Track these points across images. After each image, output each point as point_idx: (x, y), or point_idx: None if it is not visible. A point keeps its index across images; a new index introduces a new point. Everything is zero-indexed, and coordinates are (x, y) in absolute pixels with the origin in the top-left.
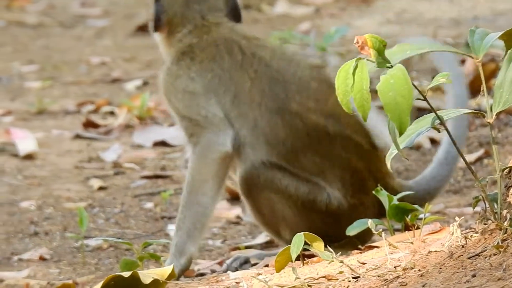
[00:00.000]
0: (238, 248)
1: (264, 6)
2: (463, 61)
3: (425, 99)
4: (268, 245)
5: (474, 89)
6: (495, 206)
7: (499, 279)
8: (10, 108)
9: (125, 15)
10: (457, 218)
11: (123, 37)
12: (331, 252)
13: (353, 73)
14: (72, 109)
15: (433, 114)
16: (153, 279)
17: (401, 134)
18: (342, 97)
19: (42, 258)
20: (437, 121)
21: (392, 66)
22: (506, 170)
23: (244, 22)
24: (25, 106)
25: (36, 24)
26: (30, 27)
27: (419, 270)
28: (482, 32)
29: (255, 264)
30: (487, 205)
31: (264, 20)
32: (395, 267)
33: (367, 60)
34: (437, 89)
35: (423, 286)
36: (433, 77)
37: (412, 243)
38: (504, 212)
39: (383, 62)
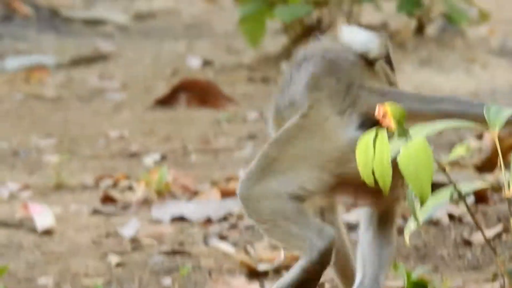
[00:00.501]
0: None
1: None
2: (480, 136)
3: (444, 171)
4: None
5: (492, 164)
6: None
7: None
8: (28, 182)
9: (143, 88)
10: None
11: (142, 111)
12: None
13: (374, 144)
14: (90, 183)
15: (450, 188)
16: None
17: (422, 204)
18: (363, 169)
19: None
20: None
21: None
22: None
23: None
24: (43, 180)
25: (55, 98)
26: (48, 100)
27: None
28: (497, 107)
29: None
30: (506, 280)
31: None
32: None
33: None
34: (455, 163)
35: None
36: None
37: None
38: None
39: (403, 133)
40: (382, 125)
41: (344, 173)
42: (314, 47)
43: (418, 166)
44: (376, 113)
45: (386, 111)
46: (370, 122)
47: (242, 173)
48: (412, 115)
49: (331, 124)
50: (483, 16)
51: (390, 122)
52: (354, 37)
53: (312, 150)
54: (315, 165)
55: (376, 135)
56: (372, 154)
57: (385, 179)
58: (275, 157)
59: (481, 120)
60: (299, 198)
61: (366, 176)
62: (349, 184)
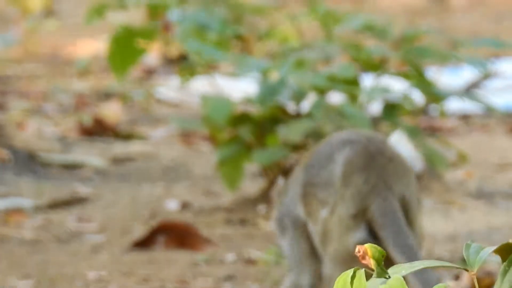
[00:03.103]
0: None
1: (260, 221)
2: (457, 277)
3: None
4: None
5: None
6: None
7: None
8: None
9: (122, 230)
10: None
11: (120, 253)
12: None
13: (351, 283)
14: None
15: None
16: None
17: None
18: None
19: None
20: None
21: (389, 277)
22: None
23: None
24: None
25: (33, 240)
26: (26, 242)
27: None
28: (477, 246)
29: None
30: None
31: (260, 235)
32: None
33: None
34: None
35: None
36: None
37: None
38: None
39: (381, 273)
40: (361, 263)
41: None
42: (361, 132)
43: None
44: (356, 251)
45: (365, 250)
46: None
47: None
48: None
49: (345, 226)
50: (461, 159)
51: (369, 261)
52: (402, 146)
53: (330, 247)
54: (333, 260)
55: (354, 274)
56: None
57: None
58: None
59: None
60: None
61: None
62: None
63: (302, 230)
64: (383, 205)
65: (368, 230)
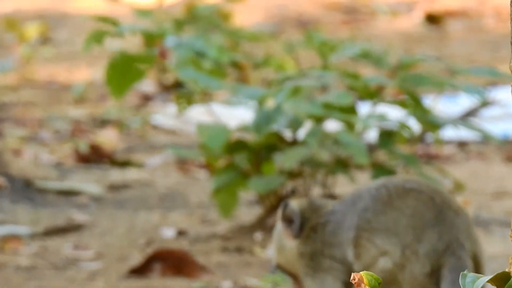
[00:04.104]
0: None
1: (256, 249)
2: None
3: None
4: None
5: None
6: None
7: None
8: None
9: (118, 257)
10: None
11: (116, 280)
12: None
13: None
14: None
15: None
16: None
17: None
18: None
19: None
20: None
21: None
22: None
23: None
24: None
25: (29, 267)
26: (23, 269)
27: None
28: (473, 276)
29: None
30: None
31: (256, 263)
32: None
33: None
34: None
35: None
36: None
37: None
38: None
39: None
40: None
41: None
42: (418, 180)
43: None
44: (351, 278)
45: (361, 278)
46: None
47: None
48: None
49: (419, 284)
50: (458, 187)
51: None
52: None
53: None
54: None
55: None
56: None
57: None
58: None
59: None
60: None
61: None
62: None
63: (340, 275)
64: (458, 264)
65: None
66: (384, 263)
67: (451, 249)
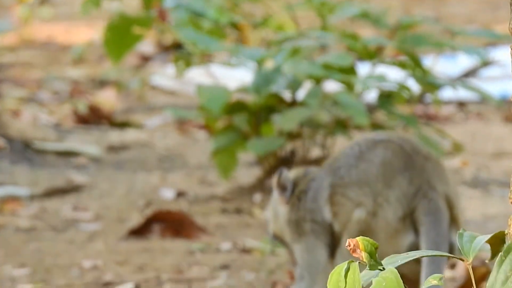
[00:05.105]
0: None
1: (255, 210)
2: (453, 266)
3: None
4: None
5: None
6: None
7: None
8: None
9: (117, 219)
10: None
11: (115, 241)
12: None
13: (345, 276)
14: None
15: None
16: None
17: None
18: None
19: None
20: None
21: (384, 269)
22: None
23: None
24: None
25: (28, 228)
26: (22, 231)
27: None
28: (470, 235)
29: None
30: None
31: (255, 225)
32: None
33: (359, 263)
34: None
35: None
36: None
37: None
38: None
39: (375, 265)
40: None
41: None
42: (388, 133)
43: None
44: (346, 245)
45: (357, 244)
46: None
47: None
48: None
49: (393, 229)
50: (457, 148)
51: (361, 255)
52: None
53: None
54: None
55: (348, 268)
56: (344, 287)
57: None
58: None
59: None
60: None
61: None
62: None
63: (323, 237)
64: (430, 205)
65: (415, 231)
66: (359, 214)
67: (422, 192)
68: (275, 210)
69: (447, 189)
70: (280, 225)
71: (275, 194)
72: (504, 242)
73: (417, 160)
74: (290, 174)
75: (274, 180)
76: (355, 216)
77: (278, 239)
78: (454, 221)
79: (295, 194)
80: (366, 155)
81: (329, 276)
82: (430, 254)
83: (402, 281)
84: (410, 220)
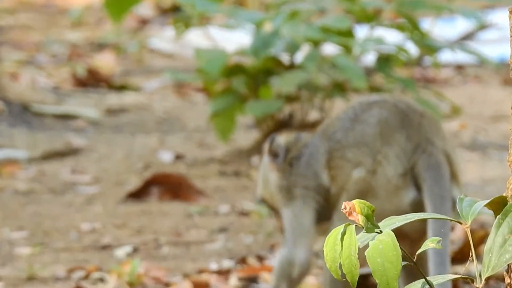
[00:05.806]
0: None
1: (253, 173)
2: (452, 229)
3: (415, 264)
4: None
5: (463, 256)
6: None
7: None
8: (0, 275)
9: (115, 182)
10: None
11: (114, 204)
12: None
13: (342, 239)
14: (62, 275)
15: (422, 280)
16: None
17: None
18: (331, 264)
19: None
20: (427, 287)
21: (381, 232)
22: None
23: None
24: (15, 273)
25: (26, 191)
26: (20, 193)
27: None
28: (470, 200)
29: None
30: None
31: (254, 187)
32: None
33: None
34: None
35: None
36: None
37: None
38: None
39: (371, 228)
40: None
41: (400, 229)
42: (382, 95)
43: (385, 261)
44: (342, 208)
45: (353, 207)
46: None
47: None
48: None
49: (394, 186)
50: (455, 111)
51: (357, 217)
52: None
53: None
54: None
55: (345, 231)
56: (340, 250)
57: (353, 274)
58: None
59: None
60: None
61: (333, 271)
62: (402, 239)
63: (312, 202)
64: (430, 160)
65: (416, 187)
66: (358, 173)
67: (421, 148)
68: (265, 176)
69: (445, 144)
70: (269, 190)
71: (266, 160)
72: (504, 206)
73: (413, 117)
74: (282, 139)
75: (265, 147)
76: (354, 175)
77: (266, 204)
78: (453, 177)
79: (286, 160)
80: (361, 117)
81: (326, 239)
82: (428, 217)
83: (398, 243)
84: (411, 176)
